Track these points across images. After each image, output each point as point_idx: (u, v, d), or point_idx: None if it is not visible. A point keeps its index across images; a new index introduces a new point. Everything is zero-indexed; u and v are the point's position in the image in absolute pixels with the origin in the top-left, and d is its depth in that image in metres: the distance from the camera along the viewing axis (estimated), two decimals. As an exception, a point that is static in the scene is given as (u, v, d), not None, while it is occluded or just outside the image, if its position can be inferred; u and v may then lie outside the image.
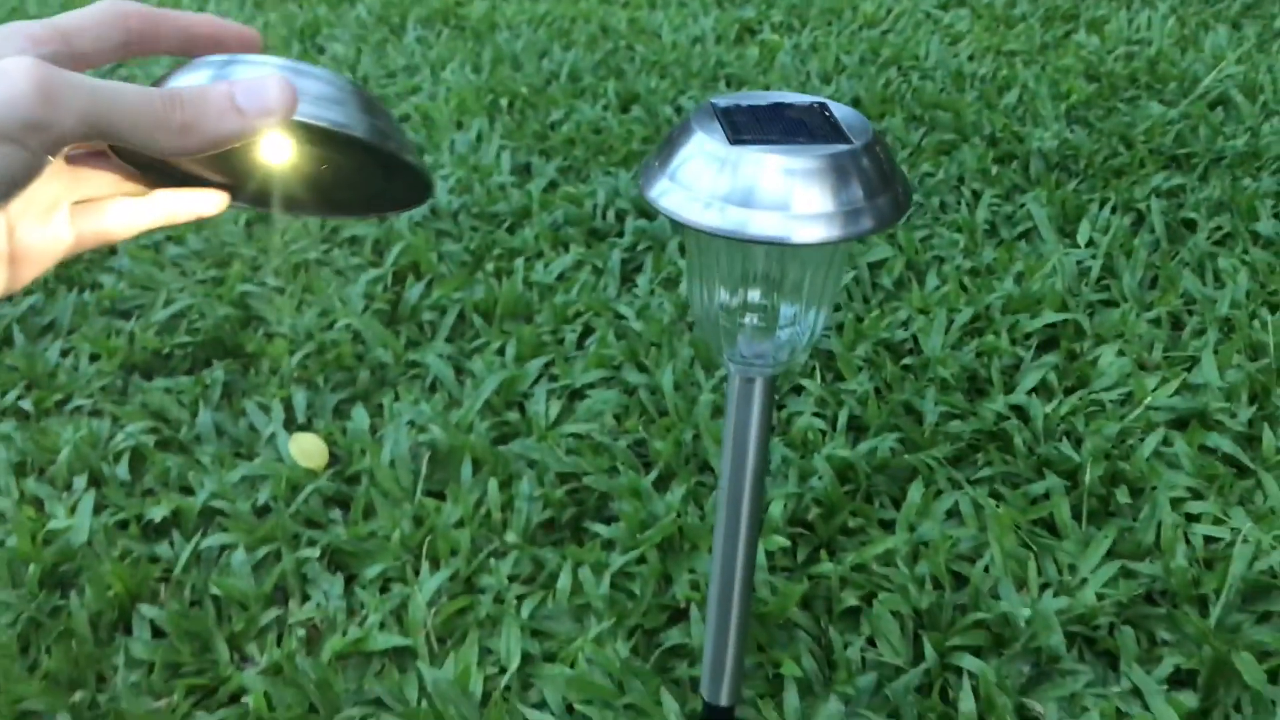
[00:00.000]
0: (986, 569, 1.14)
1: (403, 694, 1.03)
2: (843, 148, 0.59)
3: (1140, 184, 1.87)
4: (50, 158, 0.37)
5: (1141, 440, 1.29)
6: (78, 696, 1.05)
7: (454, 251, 1.75)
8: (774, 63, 2.49)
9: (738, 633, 0.85)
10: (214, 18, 0.48)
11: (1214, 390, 1.36)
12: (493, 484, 1.25)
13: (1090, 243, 1.71)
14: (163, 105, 0.39)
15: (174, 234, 1.80)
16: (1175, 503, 1.21)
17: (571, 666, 1.05)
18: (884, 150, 0.62)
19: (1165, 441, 1.29)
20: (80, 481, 1.29)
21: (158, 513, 1.24)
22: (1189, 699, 1.00)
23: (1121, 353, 1.44)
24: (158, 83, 0.44)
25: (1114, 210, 1.80)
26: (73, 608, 1.12)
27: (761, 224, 0.58)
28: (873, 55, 2.51)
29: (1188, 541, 1.17)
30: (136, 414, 1.40)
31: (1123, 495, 1.22)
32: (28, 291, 1.67)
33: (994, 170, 1.93)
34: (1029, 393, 1.38)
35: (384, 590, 1.16)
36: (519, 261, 1.71)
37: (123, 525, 1.24)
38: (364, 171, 0.50)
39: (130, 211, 0.48)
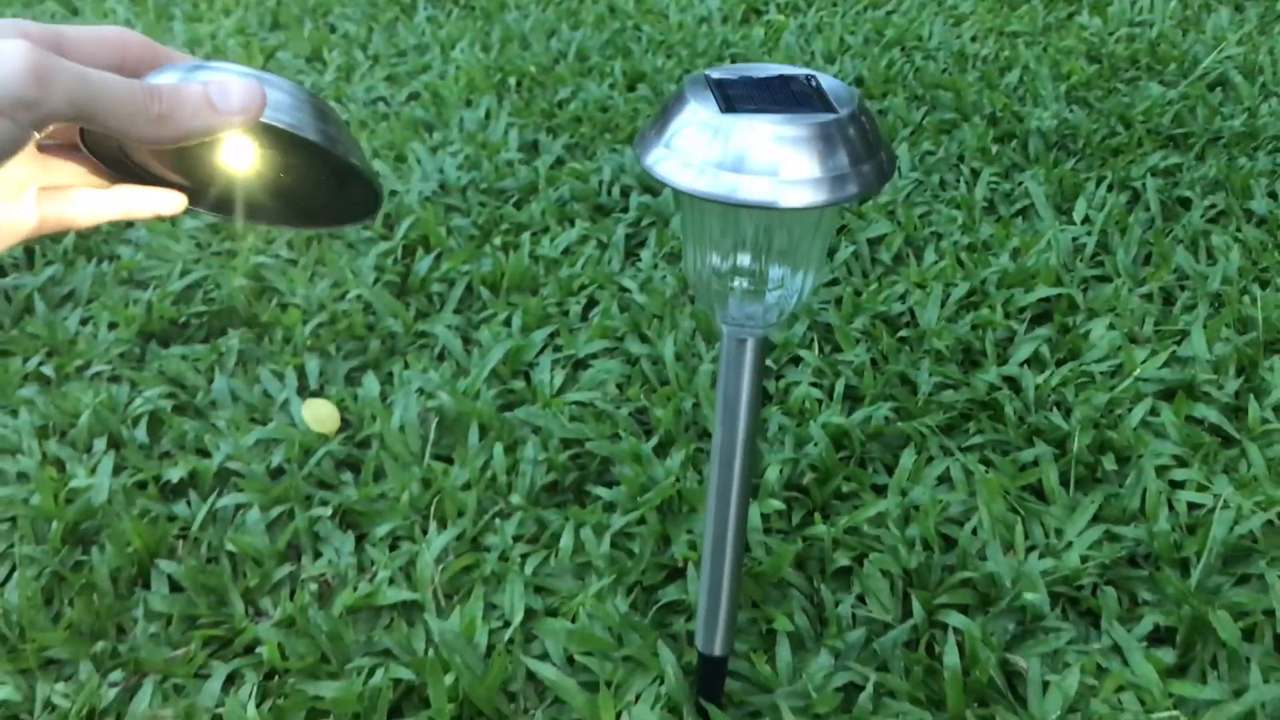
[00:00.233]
0: (975, 531, 1.18)
1: (410, 645, 1.08)
2: (829, 116, 0.63)
3: (1137, 163, 1.90)
4: (36, 134, 0.40)
5: (1129, 410, 1.33)
6: (99, 646, 1.09)
7: (462, 226, 1.79)
8: (779, 43, 2.52)
9: (730, 584, 0.89)
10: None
11: (1202, 363, 1.40)
12: (498, 449, 1.29)
13: (1086, 220, 1.74)
14: (143, 96, 0.43)
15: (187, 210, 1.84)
16: (1160, 470, 1.25)
17: (573, 621, 1.09)
18: (869, 119, 0.66)
19: (1152, 411, 1.33)
20: (100, 444, 1.34)
21: (175, 474, 1.28)
22: (1167, 655, 1.04)
23: (1112, 326, 1.48)
24: None
25: (1110, 188, 1.83)
26: (94, 563, 1.17)
27: (751, 189, 0.61)
28: (877, 36, 2.54)
29: (1171, 507, 1.21)
30: (154, 380, 1.44)
31: (1110, 463, 1.25)
32: (48, 262, 1.71)
33: (993, 149, 1.96)
34: (1021, 364, 1.42)
35: (393, 548, 1.20)
36: (525, 236, 1.74)
37: (141, 485, 1.29)
38: (319, 179, 0.53)
39: (92, 202, 0.50)
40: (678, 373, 1.41)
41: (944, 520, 1.19)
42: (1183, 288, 1.58)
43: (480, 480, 1.26)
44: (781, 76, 0.67)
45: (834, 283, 1.62)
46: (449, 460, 1.32)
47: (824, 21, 2.66)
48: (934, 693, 1.02)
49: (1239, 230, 1.70)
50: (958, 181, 1.88)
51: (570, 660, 1.06)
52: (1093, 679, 1.02)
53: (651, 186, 1.86)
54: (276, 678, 1.07)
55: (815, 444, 1.28)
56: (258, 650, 1.08)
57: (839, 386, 1.38)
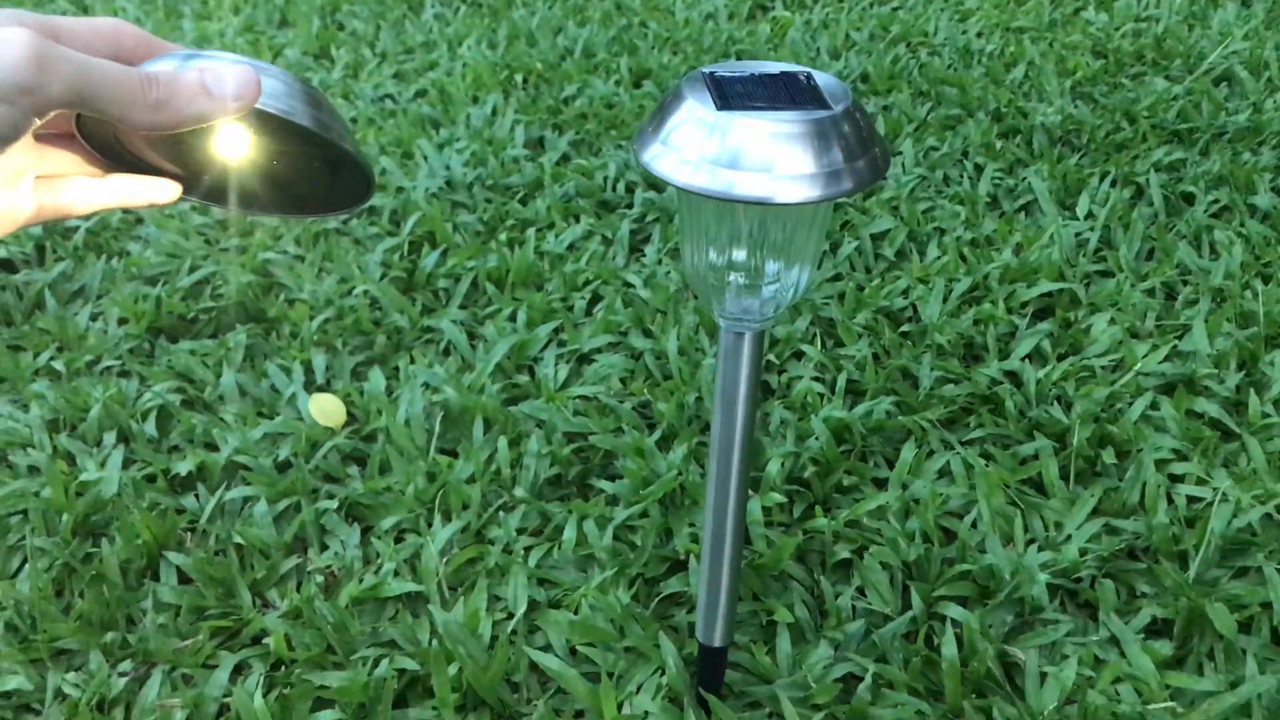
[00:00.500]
0: (974, 524, 1.19)
1: (415, 636, 1.09)
2: (823, 113, 0.64)
3: (1141, 158, 1.90)
4: (36, 120, 0.41)
5: (1130, 404, 1.33)
6: (109, 637, 1.11)
7: (468, 222, 1.80)
8: (784, 39, 2.52)
9: (730, 577, 0.90)
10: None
11: (1203, 357, 1.40)
12: (503, 442, 1.30)
13: (1089, 215, 1.75)
14: (140, 83, 0.44)
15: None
16: (1160, 464, 1.25)
17: (575, 612, 1.10)
18: (863, 116, 0.67)
19: (1153, 406, 1.33)
20: (110, 437, 1.36)
21: (184, 467, 1.30)
22: (1164, 647, 1.05)
23: (1114, 321, 1.48)
24: None
25: (1114, 184, 1.84)
26: (104, 555, 1.18)
27: (747, 185, 0.62)
28: (882, 31, 2.54)
29: (1170, 501, 1.21)
30: (163, 374, 1.46)
31: (1109, 457, 1.26)
32: (59, 259, 1.73)
33: (997, 144, 1.97)
34: (1023, 359, 1.43)
35: (398, 541, 1.22)
36: (531, 232, 1.75)
37: (150, 479, 1.30)
38: (311, 166, 0.54)
39: (88, 190, 0.51)
40: (680, 367, 1.42)
41: (944, 513, 1.20)
42: (1185, 283, 1.59)
43: (484, 474, 1.27)
44: (777, 73, 0.68)
45: (837, 278, 1.63)
46: (454, 454, 1.33)
47: (830, 18, 2.66)
48: (932, 684, 1.03)
49: (1242, 225, 1.70)
50: (961, 177, 1.89)
51: (572, 651, 1.07)
52: (1090, 670, 1.02)
53: (656, 183, 1.87)
54: (283, 668, 1.08)
55: (816, 438, 1.29)
56: (265, 641, 1.10)
57: (841, 381, 1.39)
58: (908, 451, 1.27)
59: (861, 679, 1.02)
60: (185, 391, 1.44)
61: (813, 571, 1.15)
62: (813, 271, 0.77)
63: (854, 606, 1.11)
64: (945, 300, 1.54)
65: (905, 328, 1.50)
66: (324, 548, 1.22)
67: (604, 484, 1.26)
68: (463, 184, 1.91)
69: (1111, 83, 2.22)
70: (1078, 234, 1.69)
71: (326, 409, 1.38)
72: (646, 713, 1.00)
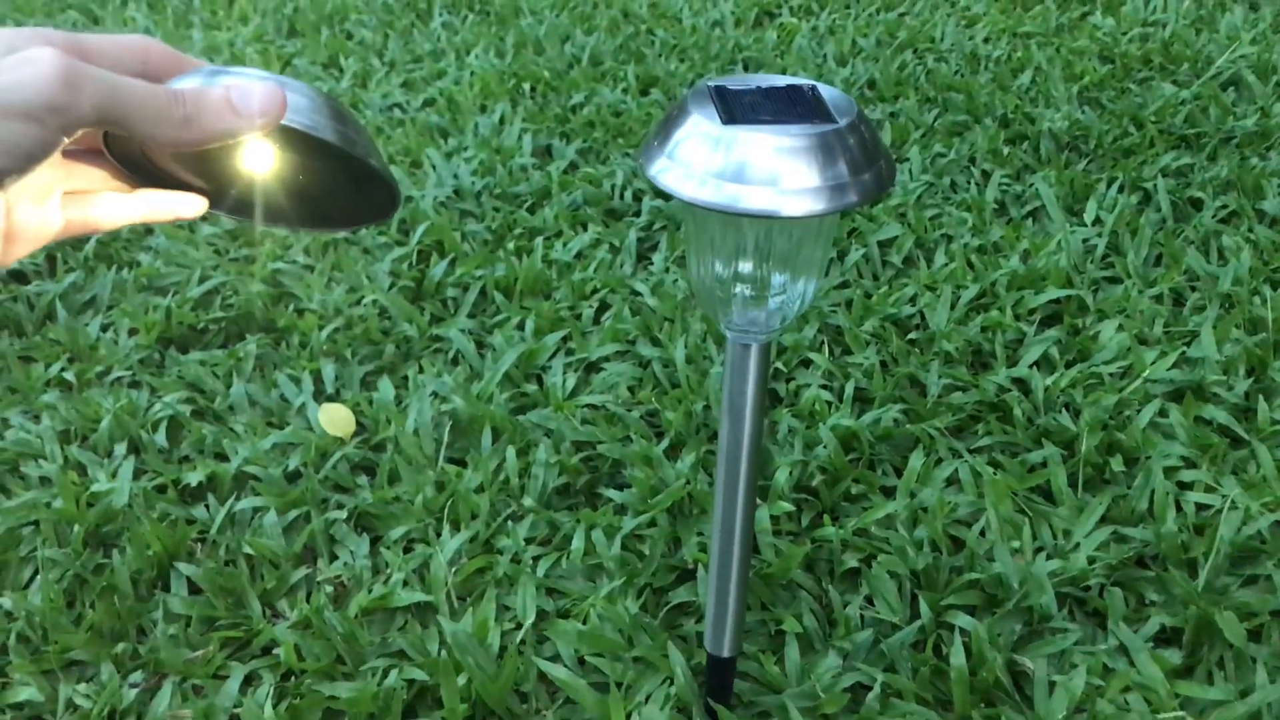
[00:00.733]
0: (983, 533, 1.19)
1: (424, 646, 1.09)
2: (828, 127, 0.64)
3: (1149, 164, 1.90)
4: (65, 138, 0.42)
5: (1138, 411, 1.33)
6: (120, 647, 1.12)
7: (476, 231, 1.81)
8: (791, 46, 2.53)
9: (738, 586, 0.90)
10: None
11: (1211, 364, 1.40)
12: (511, 452, 1.31)
13: (1097, 221, 1.75)
14: (167, 101, 0.44)
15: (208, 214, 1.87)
16: (1169, 471, 1.25)
17: (584, 622, 1.11)
18: (868, 129, 0.67)
19: (1161, 413, 1.33)
20: (121, 448, 1.36)
21: (194, 477, 1.30)
22: (1173, 656, 1.04)
23: (1122, 328, 1.48)
24: None
25: (1121, 189, 1.84)
26: (115, 565, 1.19)
27: (753, 199, 0.63)
28: (889, 38, 2.54)
29: (1179, 508, 1.21)
30: (173, 385, 1.46)
31: (1118, 464, 1.26)
32: (70, 269, 1.74)
33: (1005, 151, 1.97)
34: (1031, 366, 1.43)
35: (407, 550, 1.22)
36: (539, 240, 1.76)
37: (161, 489, 1.31)
38: (336, 181, 0.55)
39: (116, 205, 0.52)
40: (688, 376, 1.42)
41: (952, 522, 1.20)
42: (1193, 288, 1.58)
43: (493, 483, 1.28)
44: (783, 86, 0.69)
45: (844, 285, 1.63)
46: (462, 463, 1.34)
47: (836, 24, 2.66)
48: (941, 693, 1.03)
49: (1250, 231, 1.70)
50: (969, 183, 1.89)
51: (581, 661, 1.08)
52: (1099, 679, 1.02)
53: (663, 191, 1.87)
54: (293, 678, 1.08)
55: (824, 446, 1.29)
56: (275, 651, 1.10)
57: (849, 389, 1.39)
58: (916, 460, 1.27)
59: (870, 688, 1.02)
60: (195, 402, 1.45)
61: (821, 580, 1.15)
62: (819, 282, 0.77)
63: (862, 616, 1.11)
64: (953, 307, 1.54)
65: (913, 335, 1.50)
66: (333, 558, 1.22)
67: (612, 493, 1.26)
68: (471, 193, 1.92)
69: (1119, 88, 2.22)
70: (1085, 240, 1.69)
71: (336, 419, 1.38)
72: (655, 723, 1.00)
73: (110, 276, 1.71)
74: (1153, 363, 1.40)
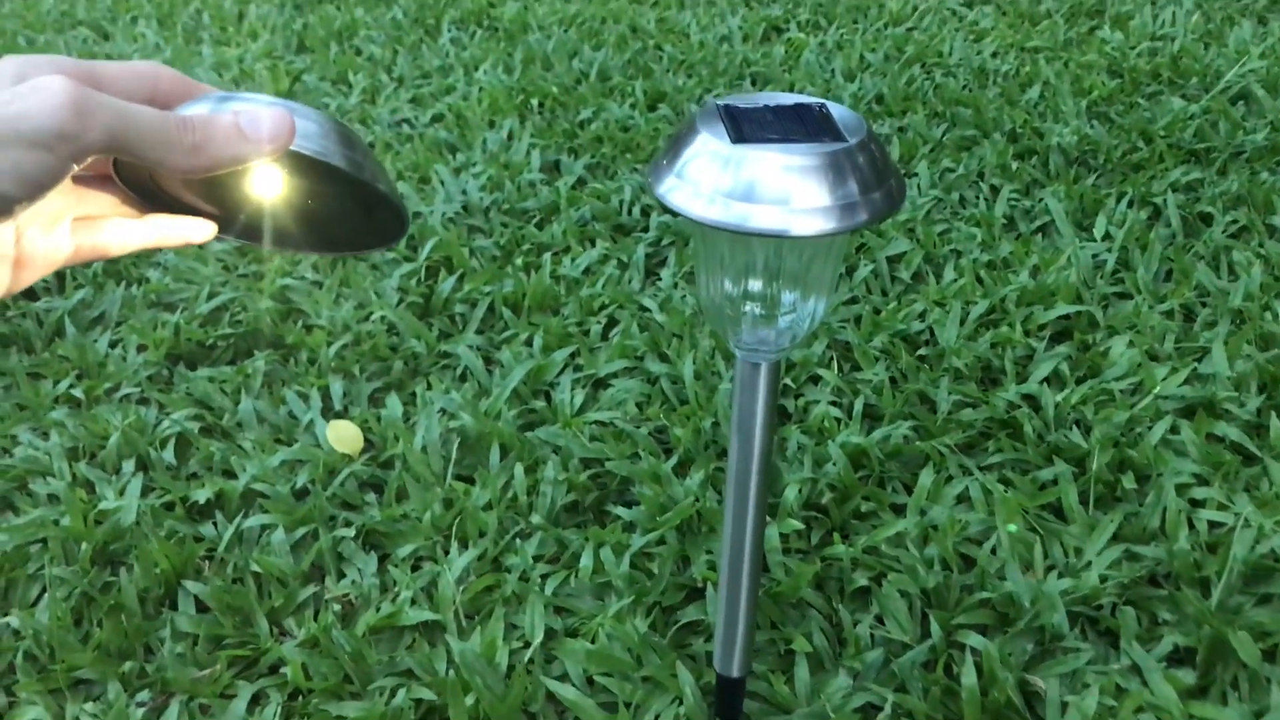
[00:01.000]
0: (993, 551, 1.18)
1: (432, 665, 1.09)
2: (838, 146, 0.64)
3: (1158, 178, 1.90)
4: (75, 166, 0.42)
5: (1149, 428, 1.33)
6: (127, 666, 1.11)
7: (485, 246, 1.81)
8: (799, 61, 2.53)
9: (747, 606, 0.90)
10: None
11: (1223, 380, 1.39)
12: (519, 469, 1.30)
13: (1106, 236, 1.74)
14: (176, 128, 0.45)
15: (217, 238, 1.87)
16: (1180, 489, 1.24)
17: (592, 641, 1.10)
18: (878, 147, 0.67)
19: (1173, 429, 1.32)
20: (129, 465, 1.36)
21: (202, 495, 1.30)
22: (1187, 676, 1.03)
23: (1133, 344, 1.47)
24: None
25: (1131, 204, 1.83)
26: (122, 583, 1.19)
27: (762, 218, 0.62)
28: (897, 53, 2.54)
29: (1191, 526, 1.20)
30: (181, 402, 1.46)
31: (1129, 481, 1.25)
32: (78, 286, 1.74)
33: (1013, 166, 1.96)
34: (1041, 382, 1.42)
35: (415, 569, 1.22)
36: (547, 256, 1.76)
37: (169, 506, 1.31)
38: (345, 205, 0.55)
39: (125, 230, 0.52)
40: (697, 392, 1.42)
41: (963, 540, 1.20)
42: (1204, 304, 1.58)
43: (501, 500, 1.27)
44: (792, 105, 0.68)
45: (853, 301, 1.63)
46: (470, 480, 1.33)
47: (844, 39, 2.67)
48: (952, 713, 1.02)
49: (1261, 246, 1.69)
50: (977, 198, 1.89)
51: (590, 681, 1.07)
52: (1112, 700, 1.01)
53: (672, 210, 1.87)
54: (301, 698, 1.08)
55: (834, 463, 1.29)
56: (282, 670, 1.10)
57: (858, 405, 1.39)
58: (926, 477, 1.26)
59: (881, 709, 1.01)
60: (203, 419, 1.44)
61: (831, 599, 1.15)
62: (829, 301, 0.77)
63: (873, 635, 1.10)
64: (962, 323, 1.53)
65: (922, 351, 1.50)
66: (341, 575, 1.22)
67: (621, 510, 1.25)
68: (479, 208, 1.92)
69: (1128, 102, 2.22)
70: (1095, 255, 1.69)
71: (344, 436, 1.38)
72: (664, 743, 1.00)
73: (119, 293, 1.71)
74: (1164, 379, 1.39)
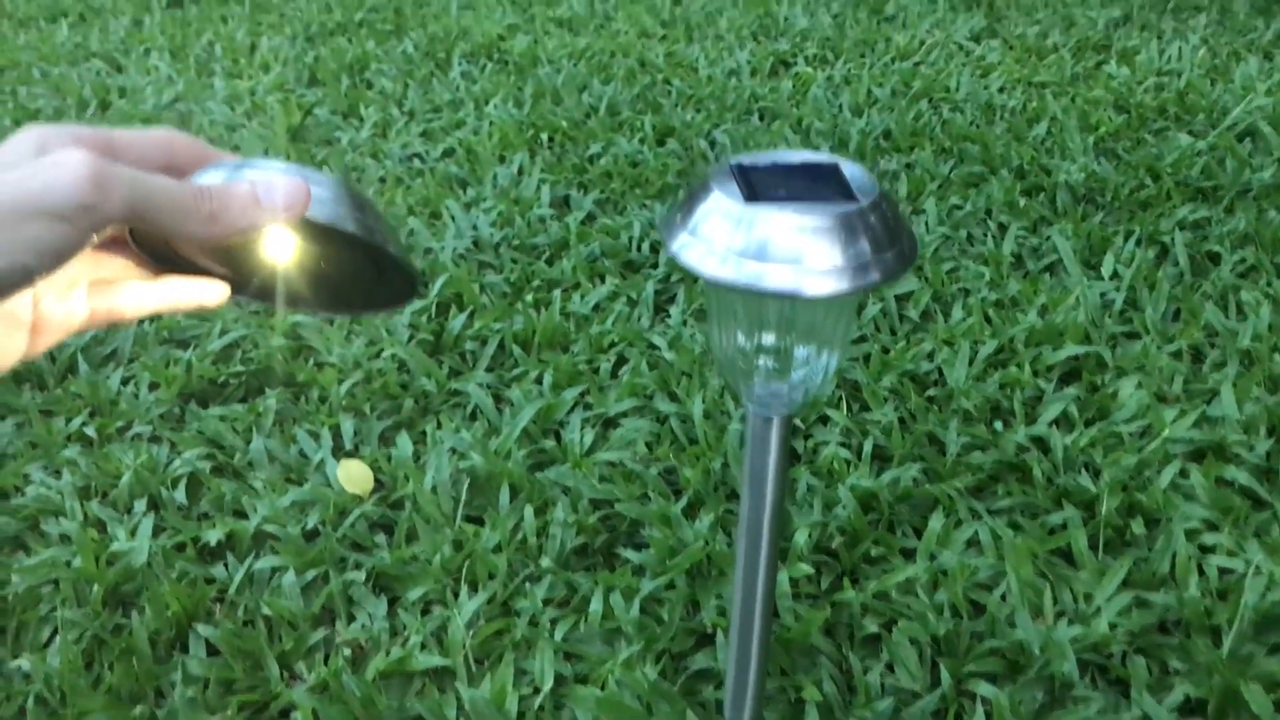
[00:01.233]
0: (1004, 597, 1.18)
1: (442, 712, 1.09)
2: (851, 207, 0.64)
3: (1166, 216, 1.90)
4: (95, 236, 0.43)
5: (1158, 472, 1.33)
6: (138, 711, 1.11)
7: (495, 283, 1.81)
8: (807, 95, 2.54)
9: (759, 658, 0.90)
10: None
11: (1232, 423, 1.39)
12: (529, 510, 1.31)
13: (1114, 275, 1.75)
14: (194, 197, 0.45)
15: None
16: (1190, 534, 1.24)
17: (602, 688, 1.10)
18: (890, 207, 0.67)
19: (1182, 473, 1.32)
20: (140, 505, 1.37)
21: (213, 536, 1.30)
22: (1198, 726, 1.03)
23: (1141, 385, 1.48)
24: None
25: (1139, 243, 1.84)
26: (133, 626, 1.19)
27: (775, 278, 0.63)
28: (904, 88, 2.56)
29: (1202, 573, 1.20)
30: (193, 440, 1.47)
31: (1139, 526, 1.25)
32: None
33: (1021, 203, 1.97)
34: (1050, 424, 1.42)
35: (425, 612, 1.22)
36: (557, 292, 1.77)
37: (180, 547, 1.31)
38: (357, 268, 0.56)
39: (140, 294, 0.52)
40: (706, 432, 1.42)
41: (973, 585, 1.19)
42: (1212, 344, 1.58)
43: (511, 542, 1.28)
44: (804, 164, 0.69)
45: (861, 340, 1.63)
46: (480, 522, 1.33)
47: (852, 74, 2.68)
48: (963, 763, 1.02)
49: (1269, 285, 1.70)
50: (985, 236, 1.89)
51: (600, 727, 1.07)
52: (1123, 750, 1.01)
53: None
54: (310, 743, 1.08)
55: (844, 506, 1.29)
56: (293, 715, 1.10)
57: (867, 446, 1.39)
58: (935, 521, 1.26)
59: (891, 759, 1.01)
60: (215, 458, 1.45)
61: (841, 646, 1.15)
62: (843, 355, 0.77)
63: (883, 683, 1.10)
64: (971, 363, 1.54)
65: (931, 391, 1.50)
66: (351, 619, 1.22)
67: (630, 553, 1.26)
68: (490, 244, 1.93)
69: (1134, 138, 2.22)
70: (1103, 294, 1.69)
71: (354, 475, 1.38)
72: (674, 793, 0.99)
73: (131, 330, 1.72)
74: (1173, 421, 1.39)
